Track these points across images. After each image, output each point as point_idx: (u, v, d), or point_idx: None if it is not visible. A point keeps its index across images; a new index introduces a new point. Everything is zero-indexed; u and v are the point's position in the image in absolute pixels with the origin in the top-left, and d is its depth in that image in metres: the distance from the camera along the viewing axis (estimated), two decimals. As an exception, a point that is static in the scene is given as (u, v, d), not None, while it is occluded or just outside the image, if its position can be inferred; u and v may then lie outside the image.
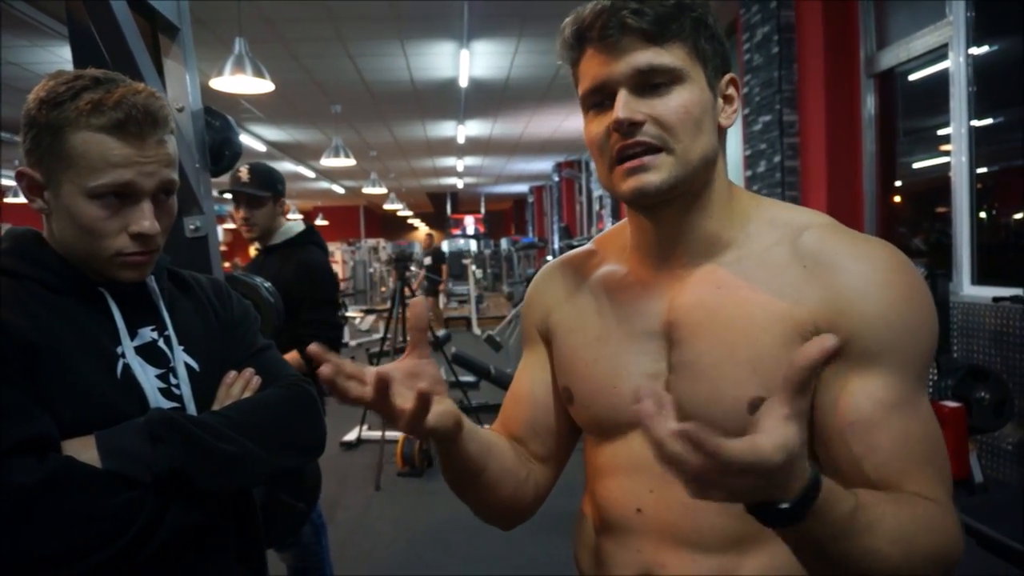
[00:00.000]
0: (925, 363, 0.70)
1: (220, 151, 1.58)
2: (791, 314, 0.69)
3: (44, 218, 0.87)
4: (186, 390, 0.90)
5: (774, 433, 0.50)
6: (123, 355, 0.85)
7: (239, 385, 0.95)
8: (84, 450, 0.76)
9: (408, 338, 0.71)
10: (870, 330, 0.67)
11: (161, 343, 0.90)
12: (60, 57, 5.63)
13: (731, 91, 0.75)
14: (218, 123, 1.58)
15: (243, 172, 2.25)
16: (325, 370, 0.60)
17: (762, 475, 0.50)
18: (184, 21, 1.51)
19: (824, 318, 0.69)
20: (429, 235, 12.91)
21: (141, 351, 0.88)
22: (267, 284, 1.68)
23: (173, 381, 0.90)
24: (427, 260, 10.52)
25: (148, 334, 0.90)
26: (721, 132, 0.76)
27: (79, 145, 0.80)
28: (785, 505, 0.53)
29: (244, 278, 1.67)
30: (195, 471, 0.80)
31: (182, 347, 0.92)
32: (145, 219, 0.83)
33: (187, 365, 0.92)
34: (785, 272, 0.72)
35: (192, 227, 1.50)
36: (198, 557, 0.88)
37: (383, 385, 0.61)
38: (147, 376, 0.86)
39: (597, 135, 0.72)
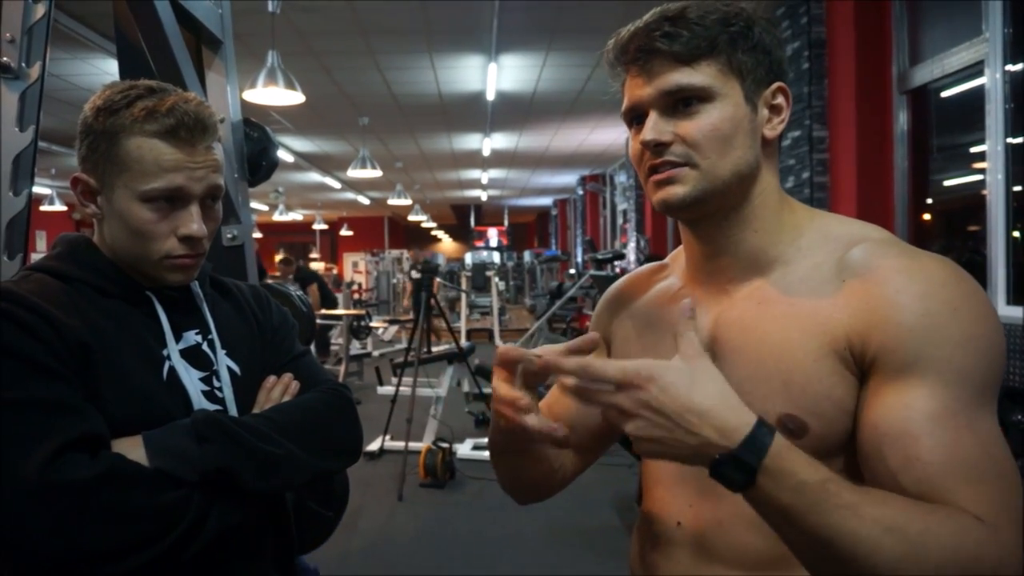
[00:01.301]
0: (986, 378, 0.64)
1: (258, 162, 1.61)
2: (825, 330, 0.68)
3: (96, 223, 0.90)
4: (228, 393, 0.93)
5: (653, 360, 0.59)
6: (169, 357, 0.88)
7: (279, 389, 0.97)
8: (132, 449, 0.78)
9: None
10: (905, 340, 0.64)
11: (205, 347, 0.93)
12: (100, 69, 5.77)
13: (779, 100, 0.75)
14: (256, 134, 1.60)
15: None
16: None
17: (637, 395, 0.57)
18: (227, 35, 1.54)
19: (856, 332, 0.67)
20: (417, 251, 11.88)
21: (186, 354, 0.90)
22: (299, 293, 1.70)
23: (216, 384, 0.92)
24: (414, 274, 10.06)
25: (192, 337, 0.92)
26: (768, 143, 0.75)
27: (133, 150, 0.83)
28: (726, 454, 0.56)
29: (278, 287, 1.69)
30: (240, 471, 0.82)
31: (224, 351, 0.94)
32: (193, 222, 0.86)
33: (229, 368, 0.94)
34: (825, 287, 0.71)
35: (229, 236, 1.53)
36: (237, 560, 0.90)
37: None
38: (191, 378, 0.89)
39: (636, 151, 0.75)
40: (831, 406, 0.67)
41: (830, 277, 0.71)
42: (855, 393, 0.67)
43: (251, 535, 0.91)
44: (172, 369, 0.87)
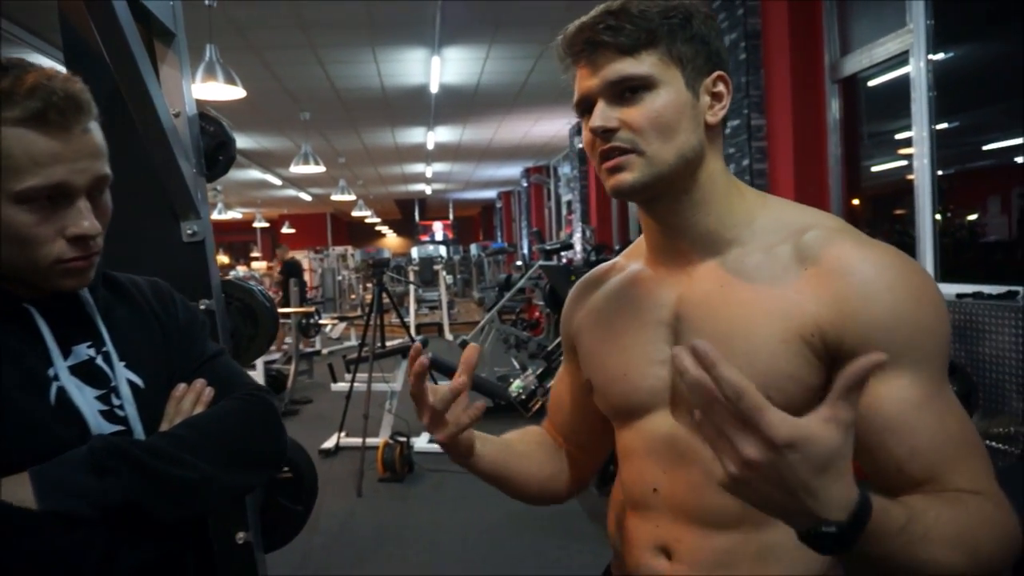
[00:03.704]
0: (944, 358, 0.71)
1: (215, 156, 1.59)
2: (790, 313, 0.73)
3: None
4: (131, 410, 0.81)
5: (812, 421, 0.52)
6: (56, 377, 0.76)
7: (190, 399, 0.86)
8: (18, 488, 0.67)
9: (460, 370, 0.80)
10: (884, 333, 0.69)
11: (100, 360, 0.81)
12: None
13: (719, 88, 0.79)
14: (213, 128, 1.58)
15: None
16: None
17: (796, 461, 0.51)
18: (179, 28, 1.51)
19: (828, 320, 0.71)
20: (279, 247, 10.53)
21: (77, 371, 0.79)
22: (261, 288, 1.69)
23: (116, 402, 0.81)
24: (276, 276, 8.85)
25: (84, 352, 0.80)
26: (712, 128, 0.79)
27: None
28: (832, 529, 0.54)
29: (240, 282, 1.67)
30: (149, 502, 0.73)
31: (123, 363, 0.83)
32: (84, 219, 0.74)
33: (130, 382, 0.83)
34: (786, 273, 0.75)
35: (189, 232, 1.50)
36: None
37: (454, 395, 0.78)
38: (85, 398, 0.77)
39: (588, 139, 0.79)
40: (794, 384, 0.72)
41: (789, 264, 0.75)
42: (819, 375, 0.72)
43: (168, 565, 0.81)
44: (61, 390, 0.76)
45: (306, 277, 15.80)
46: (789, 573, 0.75)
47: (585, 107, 0.79)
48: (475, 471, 0.89)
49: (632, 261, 0.91)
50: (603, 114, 0.75)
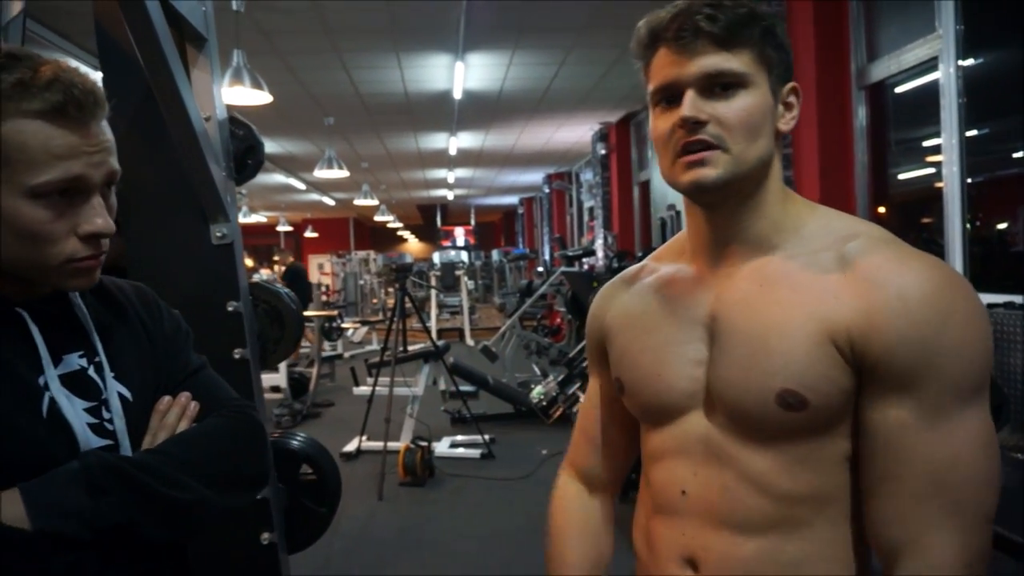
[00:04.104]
0: (973, 381, 0.69)
1: (244, 159, 1.61)
2: (827, 316, 0.72)
3: None
4: (120, 424, 0.78)
5: None
6: (46, 387, 0.73)
7: (175, 413, 0.83)
8: (9, 505, 0.65)
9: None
10: (906, 349, 0.68)
11: (92, 371, 0.78)
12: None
13: (792, 99, 0.79)
14: (242, 132, 1.60)
15: None
16: None
17: None
18: (211, 32, 1.54)
19: (859, 329, 0.70)
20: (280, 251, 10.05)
21: (67, 381, 0.75)
22: (288, 291, 1.71)
23: (106, 415, 0.77)
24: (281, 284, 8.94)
25: (76, 361, 0.77)
26: (779, 137, 0.79)
27: (13, 136, 0.67)
28: None
29: (267, 285, 1.69)
30: (143, 523, 0.71)
31: (112, 374, 0.80)
32: (98, 216, 0.72)
33: (120, 395, 0.80)
34: (826, 277, 0.74)
35: (218, 234, 1.52)
36: None
37: None
38: (75, 411, 0.74)
39: (663, 130, 0.76)
40: (830, 385, 0.71)
41: (832, 268, 0.74)
42: (851, 379, 0.72)
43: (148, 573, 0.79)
44: (52, 401, 0.73)
45: (328, 282, 15.96)
46: None
47: (665, 95, 0.76)
48: None
49: (664, 263, 0.90)
50: (694, 104, 0.73)
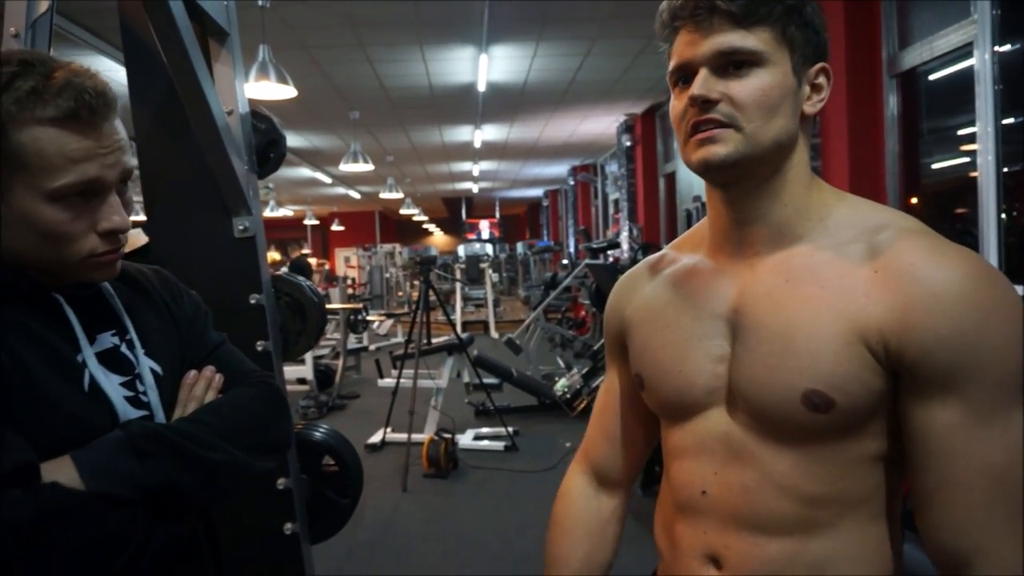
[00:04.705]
0: (1016, 382, 0.66)
1: (266, 153, 1.62)
2: (856, 316, 0.69)
3: None
4: (153, 397, 0.84)
5: None
6: (85, 364, 0.79)
7: (201, 385, 0.89)
8: (62, 471, 0.70)
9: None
10: (945, 349, 0.65)
11: (124, 348, 0.84)
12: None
13: (820, 80, 0.76)
14: (264, 126, 1.61)
15: None
16: None
17: None
18: (233, 27, 1.55)
19: (892, 329, 0.67)
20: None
21: (102, 358, 0.81)
22: (310, 284, 1.72)
23: (140, 388, 0.84)
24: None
25: (108, 339, 0.83)
26: (805, 119, 0.76)
27: (29, 143, 0.70)
28: None
29: (289, 277, 1.70)
30: (186, 484, 0.77)
31: (144, 351, 0.86)
32: (115, 214, 0.76)
33: (151, 370, 0.86)
34: (855, 272, 0.71)
35: (241, 227, 1.54)
36: (180, 560, 0.86)
37: None
38: (112, 385, 0.80)
39: (679, 110, 0.75)
40: (859, 386, 0.69)
41: (860, 263, 0.71)
42: (883, 380, 0.69)
43: (190, 535, 0.87)
44: (92, 376, 0.78)
45: (354, 275, 16.08)
46: None
47: (682, 76, 0.75)
48: None
49: (685, 253, 0.88)
50: (705, 83, 0.71)
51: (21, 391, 0.72)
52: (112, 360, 0.82)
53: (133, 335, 0.85)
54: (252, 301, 1.53)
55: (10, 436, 0.69)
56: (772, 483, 0.73)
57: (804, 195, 0.77)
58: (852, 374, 0.69)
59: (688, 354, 0.80)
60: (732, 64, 0.72)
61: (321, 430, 1.76)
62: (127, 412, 0.80)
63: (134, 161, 0.80)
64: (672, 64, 0.75)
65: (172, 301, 0.94)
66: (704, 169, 0.74)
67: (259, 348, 1.54)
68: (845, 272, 0.72)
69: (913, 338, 0.66)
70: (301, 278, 1.73)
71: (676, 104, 0.76)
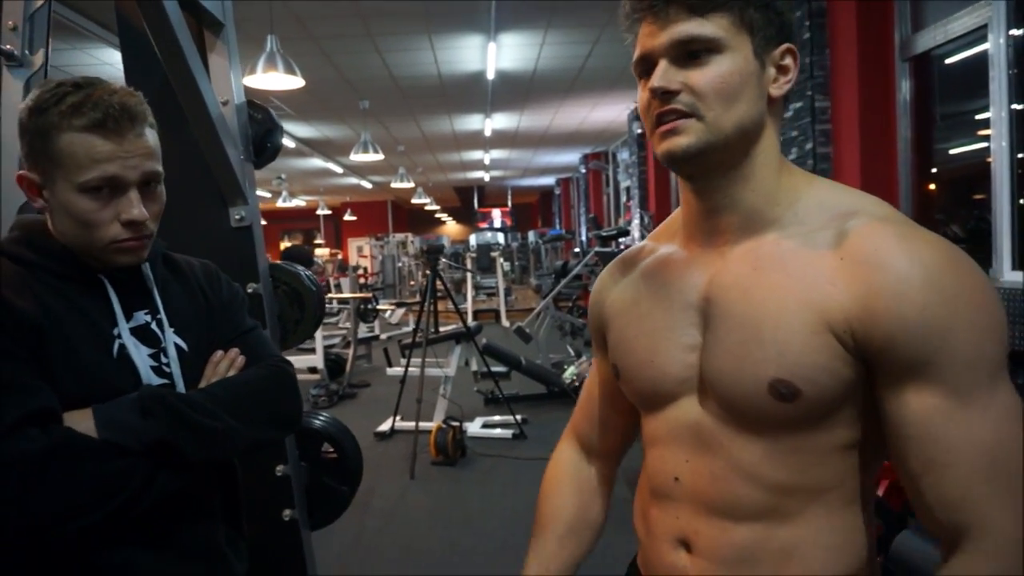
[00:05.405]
0: (991, 358, 0.65)
1: (263, 143, 1.62)
2: (823, 306, 0.69)
3: (47, 215, 0.94)
4: (175, 368, 0.99)
5: None
6: (119, 336, 0.94)
7: (225, 363, 1.03)
8: (82, 421, 0.85)
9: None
10: (912, 335, 0.65)
11: (154, 325, 0.99)
12: (98, 59, 5.76)
13: (787, 61, 0.75)
14: (260, 116, 1.62)
15: None
16: None
17: None
18: (228, 18, 1.55)
19: (857, 317, 0.67)
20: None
21: (136, 332, 0.96)
22: (308, 272, 1.73)
23: (164, 360, 0.98)
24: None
25: (142, 317, 0.98)
26: (773, 102, 0.76)
27: (66, 146, 0.87)
28: None
29: (287, 267, 1.71)
30: (180, 443, 0.89)
31: (172, 329, 1.00)
32: (134, 207, 0.90)
33: (177, 346, 1.00)
34: (822, 260, 0.70)
35: (237, 217, 1.55)
36: (188, 518, 0.98)
37: None
38: (140, 355, 0.95)
39: (644, 101, 0.76)
40: (827, 376, 0.69)
41: (827, 250, 0.70)
42: (852, 368, 0.69)
43: (199, 496, 1.00)
44: (122, 347, 0.94)
45: (367, 264, 16.14)
46: (813, 572, 0.72)
47: (645, 67, 0.75)
48: None
49: (662, 243, 0.88)
50: (665, 74, 0.72)
51: (58, 352, 0.87)
52: (143, 334, 0.97)
53: (163, 315, 1.00)
54: (249, 290, 1.54)
55: (38, 385, 0.84)
56: (740, 471, 0.74)
57: (774, 180, 0.76)
58: (819, 364, 0.68)
59: (661, 345, 0.81)
60: (691, 53, 0.72)
61: (321, 418, 1.77)
62: (151, 379, 0.95)
63: (158, 166, 0.94)
64: (635, 56, 0.76)
65: (209, 288, 1.09)
66: (669, 161, 0.74)
67: (257, 337, 1.55)
68: (812, 260, 0.71)
69: (878, 325, 0.66)
70: (300, 267, 1.73)
71: (642, 95, 0.76)
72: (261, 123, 1.61)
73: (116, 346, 0.93)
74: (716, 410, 0.76)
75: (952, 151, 3.99)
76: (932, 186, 4.08)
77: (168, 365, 0.98)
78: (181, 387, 0.98)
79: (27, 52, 1.30)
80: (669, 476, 0.80)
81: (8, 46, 1.28)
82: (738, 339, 0.73)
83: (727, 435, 0.75)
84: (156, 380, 0.96)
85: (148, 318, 0.98)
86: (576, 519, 0.98)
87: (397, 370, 4.96)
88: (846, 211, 0.73)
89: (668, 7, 0.72)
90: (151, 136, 0.93)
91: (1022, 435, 0.65)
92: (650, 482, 0.85)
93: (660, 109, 0.73)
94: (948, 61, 3.81)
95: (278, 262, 1.70)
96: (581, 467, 1.01)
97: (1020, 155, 3.22)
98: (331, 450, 1.72)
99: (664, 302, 0.82)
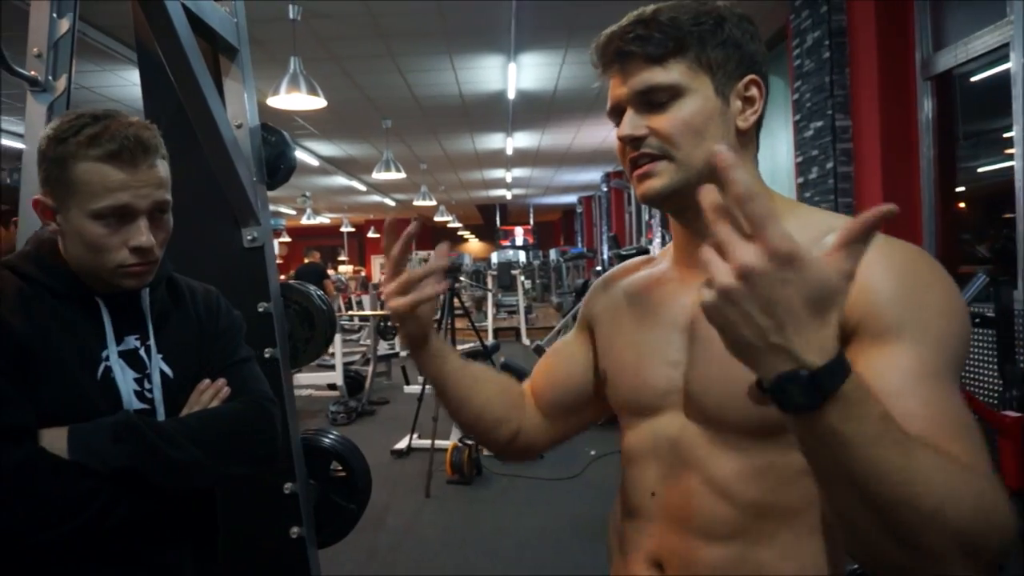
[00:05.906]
0: (956, 352, 0.65)
1: (276, 165, 1.65)
2: None
3: (59, 237, 0.98)
4: (158, 395, 1.00)
5: (815, 255, 0.50)
6: (107, 359, 0.97)
7: (209, 393, 1.04)
8: (57, 440, 0.88)
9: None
10: (887, 306, 0.65)
11: (142, 351, 1.01)
12: (127, 80, 5.91)
13: (752, 92, 0.78)
14: (274, 138, 1.65)
15: None
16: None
17: (789, 279, 0.49)
18: (242, 43, 1.59)
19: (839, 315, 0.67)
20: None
21: (124, 356, 0.99)
22: (320, 292, 1.75)
23: (147, 386, 1.00)
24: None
25: (132, 342, 1.01)
26: (744, 134, 0.78)
27: (82, 174, 0.92)
28: (803, 374, 0.49)
29: (298, 286, 1.73)
30: (147, 470, 0.91)
31: (160, 355, 1.02)
32: (142, 235, 0.94)
33: (162, 372, 1.02)
34: None
35: (249, 238, 1.57)
36: (155, 540, 0.99)
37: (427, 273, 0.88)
38: (126, 379, 0.97)
39: (619, 148, 0.80)
40: None
41: None
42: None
43: (166, 521, 0.99)
44: (108, 369, 0.96)
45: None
46: None
47: (617, 115, 0.79)
48: (423, 369, 0.91)
49: (662, 260, 0.92)
50: (631, 122, 0.76)
51: (45, 370, 0.89)
52: (131, 359, 0.99)
53: (152, 342, 1.01)
54: (260, 309, 1.57)
55: (16, 399, 0.86)
56: (715, 487, 0.75)
57: None
58: None
59: (645, 359, 0.84)
60: (653, 100, 0.75)
61: (330, 436, 1.78)
62: (132, 403, 0.97)
63: (168, 195, 0.98)
64: (608, 106, 0.80)
65: (206, 316, 1.10)
66: (647, 202, 0.78)
67: (267, 355, 1.57)
68: None
69: (856, 305, 0.64)
70: (311, 286, 1.76)
71: (617, 142, 0.80)
72: (275, 145, 1.64)
73: (102, 368, 0.95)
74: (697, 423, 0.78)
75: (979, 169, 3.93)
76: (958, 205, 4.02)
77: (151, 391, 1.00)
78: (162, 414, 1.00)
79: (50, 78, 1.34)
80: (646, 492, 0.81)
81: (33, 72, 1.32)
82: (724, 357, 0.73)
83: (705, 449, 0.76)
84: (137, 405, 0.97)
85: (137, 343, 1.01)
86: (494, 400, 0.96)
87: (415, 388, 4.97)
88: (826, 230, 0.74)
89: (627, 61, 0.76)
90: (162, 167, 0.96)
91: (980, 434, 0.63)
92: (626, 500, 0.86)
93: (632, 154, 0.77)
94: (972, 80, 3.77)
95: (290, 281, 1.73)
96: (525, 392, 1.01)
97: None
98: (340, 468, 1.73)
99: (652, 318, 0.85)
